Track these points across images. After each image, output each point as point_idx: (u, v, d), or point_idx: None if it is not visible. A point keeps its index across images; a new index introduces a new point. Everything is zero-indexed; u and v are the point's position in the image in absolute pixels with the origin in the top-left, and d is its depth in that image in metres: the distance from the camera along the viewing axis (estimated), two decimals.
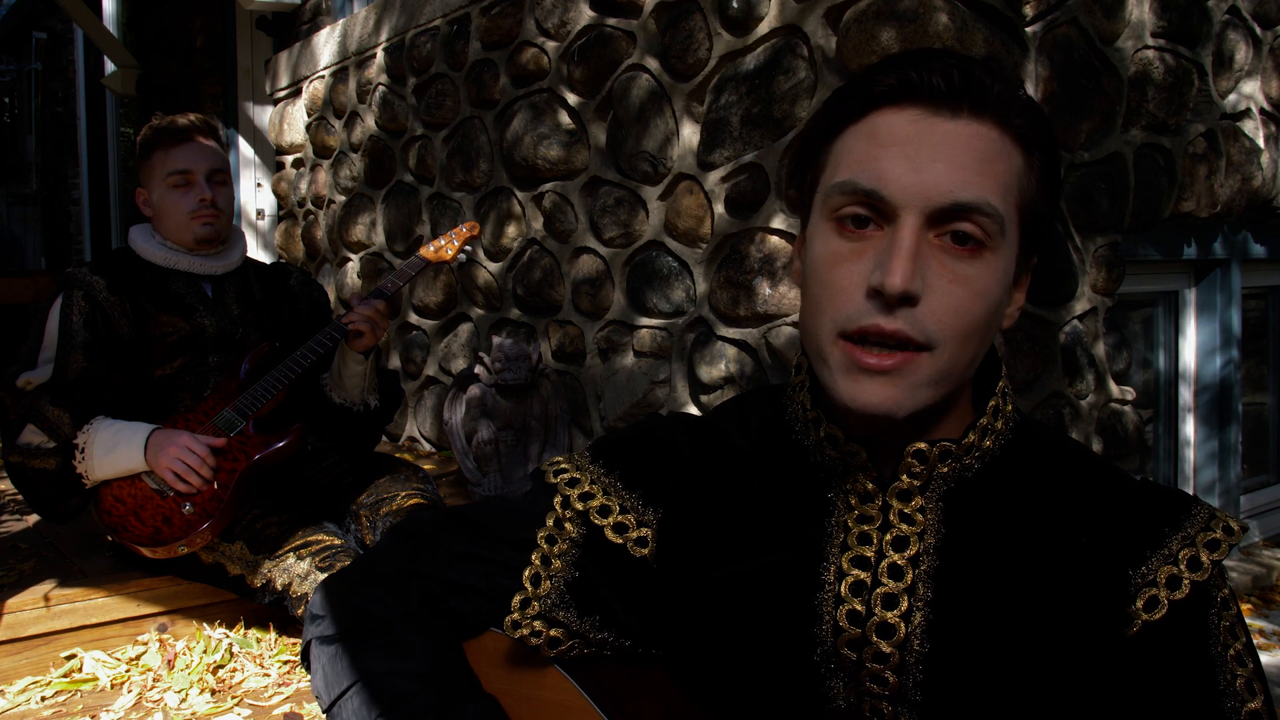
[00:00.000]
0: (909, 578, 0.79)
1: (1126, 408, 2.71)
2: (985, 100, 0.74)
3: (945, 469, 0.81)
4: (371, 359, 2.38)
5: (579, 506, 0.90)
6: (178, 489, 2.12)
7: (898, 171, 0.73)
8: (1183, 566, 0.77)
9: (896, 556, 0.80)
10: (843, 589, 0.80)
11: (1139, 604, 0.77)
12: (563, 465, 0.93)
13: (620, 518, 0.89)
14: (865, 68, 0.79)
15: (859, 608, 0.80)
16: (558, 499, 0.91)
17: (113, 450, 2.13)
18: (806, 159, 0.82)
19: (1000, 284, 0.76)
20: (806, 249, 0.81)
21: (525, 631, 0.88)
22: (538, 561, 0.89)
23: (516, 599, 0.88)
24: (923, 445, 0.79)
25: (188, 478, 2.11)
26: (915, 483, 0.81)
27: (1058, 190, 0.81)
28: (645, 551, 0.88)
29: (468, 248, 2.60)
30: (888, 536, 0.81)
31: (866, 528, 0.82)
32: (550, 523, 0.90)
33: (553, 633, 0.88)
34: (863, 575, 0.80)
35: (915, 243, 0.73)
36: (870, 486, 0.82)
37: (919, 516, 0.81)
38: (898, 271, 0.71)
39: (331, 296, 4.48)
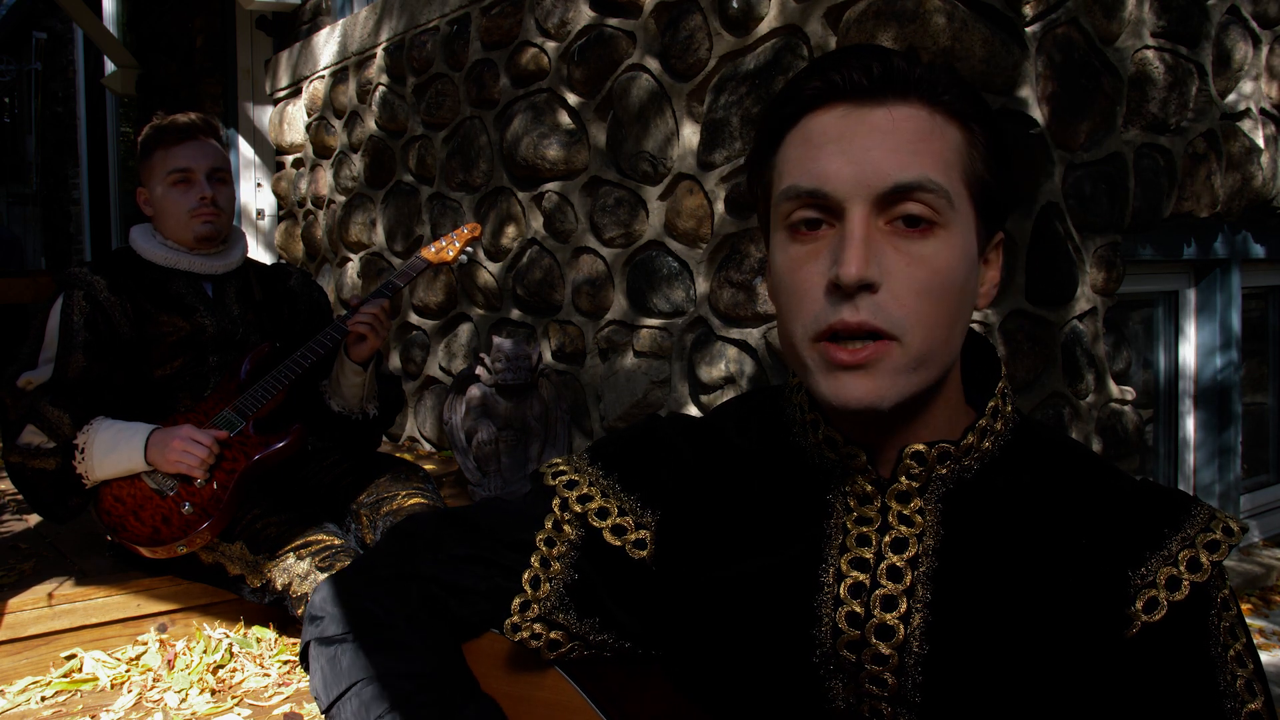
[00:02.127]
0: (908, 579, 0.79)
1: (1126, 408, 2.71)
2: (907, 84, 0.76)
3: (944, 470, 0.81)
4: (370, 368, 2.38)
5: (577, 509, 0.90)
6: (195, 475, 2.12)
7: (835, 166, 0.75)
8: (1182, 568, 0.77)
9: (895, 558, 0.80)
10: (842, 591, 0.80)
11: (1138, 605, 0.77)
12: (561, 467, 0.93)
13: (619, 520, 0.89)
14: (792, 76, 0.80)
15: (858, 610, 0.80)
16: (556, 501, 0.91)
17: (113, 451, 2.13)
18: (756, 174, 0.83)
19: (962, 260, 0.76)
20: (770, 261, 0.82)
21: (525, 634, 0.88)
22: (536, 564, 0.89)
23: (516, 601, 0.88)
24: (921, 447, 0.79)
25: (196, 471, 2.12)
26: (914, 484, 0.81)
27: (1005, 158, 0.81)
28: (644, 553, 0.88)
29: (469, 249, 2.60)
30: (886, 538, 0.81)
31: (865, 529, 0.82)
32: (549, 525, 0.90)
33: (552, 635, 0.88)
34: (862, 577, 0.80)
35: (865, 231, 0.73)
36: (869, 488, 0.82)
37: (918, 518, 0.81)
38: (851, 260, 0.72)
39: (331, 296, 4.48)
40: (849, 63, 0.76)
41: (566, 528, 0.90)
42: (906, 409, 0.77)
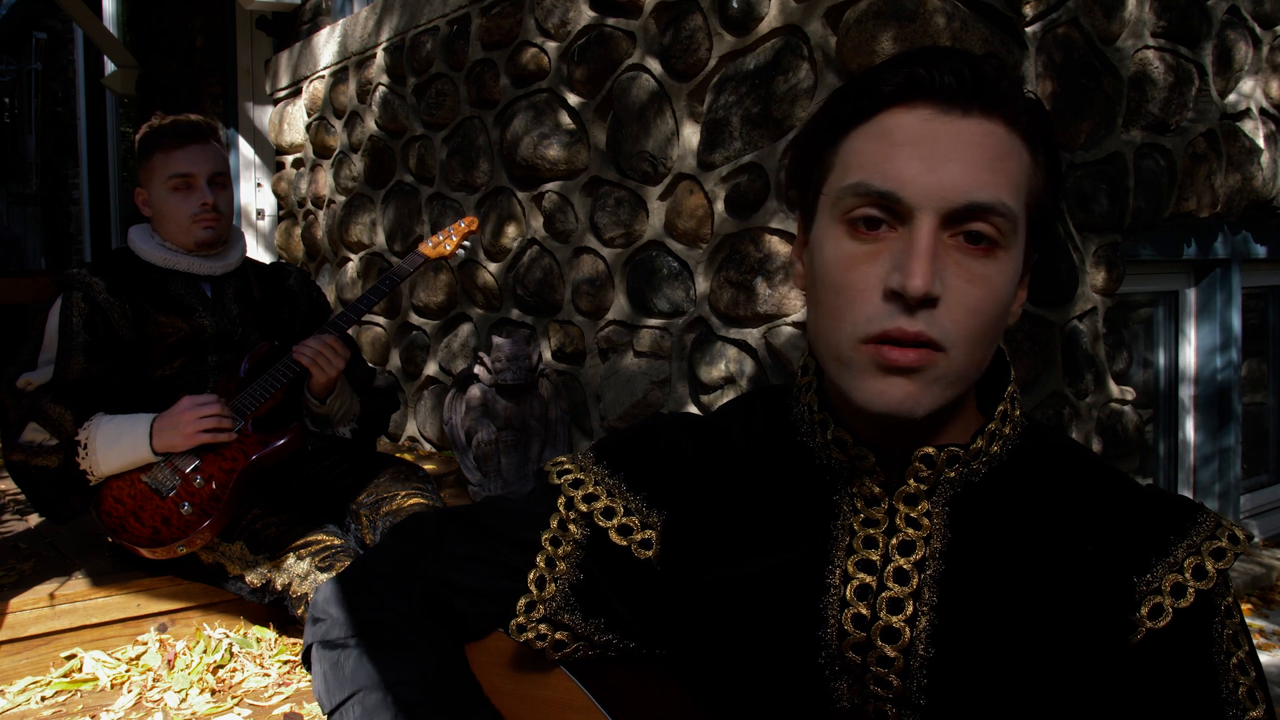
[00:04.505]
0: (914, 582, 0.79)
1: (1126, 408, 2.71)
2: (995, 98, 0.74)
3: (952, 474, 0.81)
4: (330, 399, 2.33)
5: (583, 508, 0.89)
6: (223, 435, 2.15)
7: (913, 172, 0.73)
8: (1188, 575, 0.77)
9: (902, 561, 0.80)
10: (848, 593, 0.80)
11: (1143, 611, 0.77)
12: (566, 466, 0.92)
13: (624, 520, 0.88)
14: (871, 67, 0.78)
15: (864, 611, 0.79)
16: (561, 500, 0.90)
17: (117, 442, 2.13)
18: (811, 160, 0.81)
19: (1012, 283, 0.76)
20: (815, 252, 0.80)
21: (530, 634, 0.88)
22: (542, 564, 0.88)
23: (521, 602, 0.88)
24: (930, 450, 0.79)
25: (224, 427, 2.15)
26: (922, 487, 0.80)
27: (1060, 187, 0.81)
28: (649, 554, 0.88)
29: (466, 243, 2.59)
30: (893, 540, 0.80)
31: (872, 531, 0.81)
32: (554, 524, 0.90)
33: (557, 635, 0.88)
34: (868, 579, 0.80)
35: (933, 244, 0.72)
36: (877, 490, 0.81)
37: (925, 521, 0.80)
38: (918, 274, 0.71)
39: (331, 297, 4.48)
40: (939, 63, 0.74)
41: (572, 527, 0.89)
42: (930, 415, 0.76)
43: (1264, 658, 2.45)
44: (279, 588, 2.12)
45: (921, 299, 0.71)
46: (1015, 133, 0.75)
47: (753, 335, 2.67)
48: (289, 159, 4.93)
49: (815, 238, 0.80)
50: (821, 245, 0.78)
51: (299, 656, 2.19)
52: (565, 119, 3.23)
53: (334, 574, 2.01)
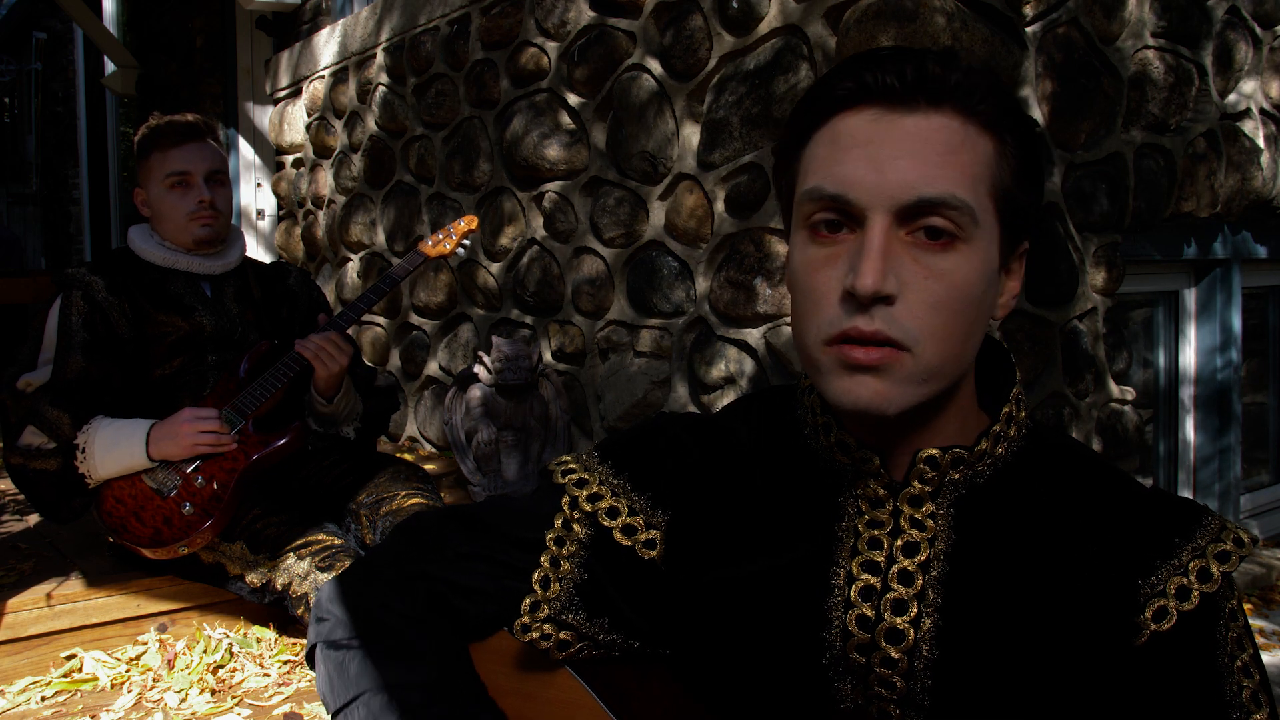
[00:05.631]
0: (919, 583, 0.79)
1: (1126, 408, 2.71)
2: (941, 91, 0.74)
3: (957, 475, 0.81)
4: (337, 400, 2.33)
5: (587, 508, 0.89)
6: (220, 447, 2.15)
7: (861, 173, 0.73)
8: (1192, 578, 0.77)
9: (906, 562, 0.80)
10: (852, 594, 0.80)
11: (1148, 614, 0.77)
12: (571, 465, 0.92)
13: (629, 519, 0.88)
14: (826, 73, 0.79)
15: (868, 613, 0.79)
16: (566, 500, 0.90)
17: (114, 448, 2.13)
18: (782, 168, 0.82)
19: (981, 275, 0.76)
20: (789, 257, 0.81)
21: (535, 635, 0.88)
22: (546, 564, 0.88)
23: (526, 602, 0.88)
24: (934, 451, 0.79)
25: (223, 441, 2.15)
26: (926, 489, 0.80)
27: (1037, 171, 0.80)
28: (654, 553, 0.88)
29: (466, 242, 2.59)
30: (898, 542, 0.80)
31: (877, 532, 0.81)
32: (559, 524, 0.90)
33: (562, 635, 0.88)
34: (872, 580, 0.80)
35: (884, 242, 0.73)
36: (881, 492, 0.81)
37: (929, 522, 0.80)
38: (868, 272, 0.71)
39: (331, 297, 4.48)
40: (883, 64, 0.74)
41: (576, 527, 0.89)
42: (918, 414, 0.77)
43: (1265, 658, 2.45)
44: (279, 587, 2.11)
45: (873, 297, 0.72)
46: (972, 122, 0.75)
47: (753, 335, 2.67)
48: (289, 159, 4.93)
49: (790, 244, 0.81)
50: (792, 251, 0.80)
51: (300, 656, 2.19)
52: (565, 119, 3.23)
53: (334, 574, 2.03)
